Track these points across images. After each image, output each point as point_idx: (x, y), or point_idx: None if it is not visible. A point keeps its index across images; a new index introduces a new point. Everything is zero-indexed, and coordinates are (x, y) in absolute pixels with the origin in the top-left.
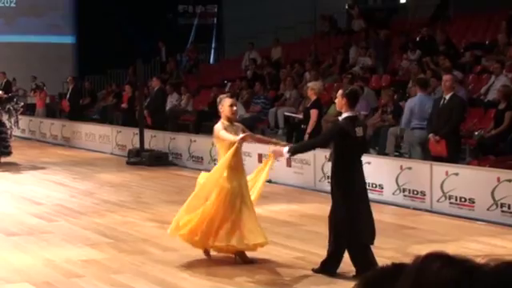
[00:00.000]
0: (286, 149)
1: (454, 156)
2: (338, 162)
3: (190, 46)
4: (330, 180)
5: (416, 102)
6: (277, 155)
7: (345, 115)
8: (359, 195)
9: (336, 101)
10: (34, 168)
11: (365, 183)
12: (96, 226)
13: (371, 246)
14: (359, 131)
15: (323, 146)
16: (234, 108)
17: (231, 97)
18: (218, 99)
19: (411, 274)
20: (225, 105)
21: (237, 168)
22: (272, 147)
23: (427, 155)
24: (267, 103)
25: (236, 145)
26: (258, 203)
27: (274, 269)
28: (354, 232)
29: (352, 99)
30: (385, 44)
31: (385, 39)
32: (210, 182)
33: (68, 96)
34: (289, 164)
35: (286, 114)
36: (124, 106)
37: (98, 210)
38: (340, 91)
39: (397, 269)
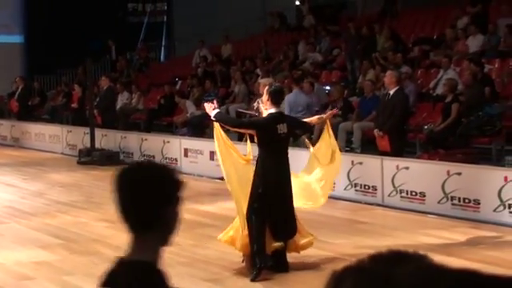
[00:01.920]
0: (214, 112)
1: (397, 151)
2: (259, 153)
3: (140, 44)
4: None
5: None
6: (209, 110)
7: (268, 111)
8: (275, 189)
9: (262, 97)
10: None
11: (287, 178)
12: (47, 227)
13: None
14: (282, 128)
15: (242, 128)
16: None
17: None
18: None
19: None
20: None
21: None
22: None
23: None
24: (218, 100)
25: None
26: (212, 201)
27: (226, 266)
28: (259, 222)
29: (274, 97)
30: (356, 38)
31: (355, 33)
32: None
33: (17, 96)
34: None
35: (239, 110)
36: (74, 105)
37: (48, 211)
38: (266, 88)
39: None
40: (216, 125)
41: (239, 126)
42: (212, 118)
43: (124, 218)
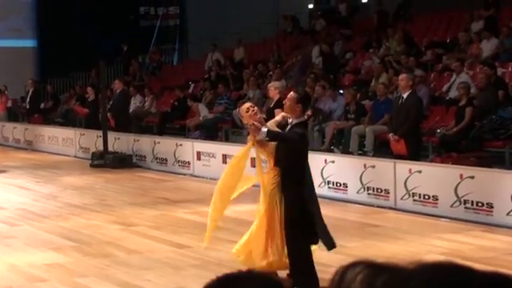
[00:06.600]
0: (265, 129)
1: (414, 154)
2: (291, 164)
3: (152, 47)
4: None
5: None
6: (254, 132)
7: (298, 121)
8: (309, 195)
9: (286, 105)
10: None
11: (313, 184)
12: (60, 230)
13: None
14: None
15: (289, 142)
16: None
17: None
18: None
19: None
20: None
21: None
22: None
23: None
24: (230, 104)
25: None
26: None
27: (238, 268)
28: (302, 231)
29: (304, 104)
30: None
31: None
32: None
33: (28, 99)
34: (252, 164)
35: None
36: (85, 110)
37: (61, 214)
38: (293, 95)
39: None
40: (252, 143)
41: (290, 141)
42: (265, 138)
43: None
